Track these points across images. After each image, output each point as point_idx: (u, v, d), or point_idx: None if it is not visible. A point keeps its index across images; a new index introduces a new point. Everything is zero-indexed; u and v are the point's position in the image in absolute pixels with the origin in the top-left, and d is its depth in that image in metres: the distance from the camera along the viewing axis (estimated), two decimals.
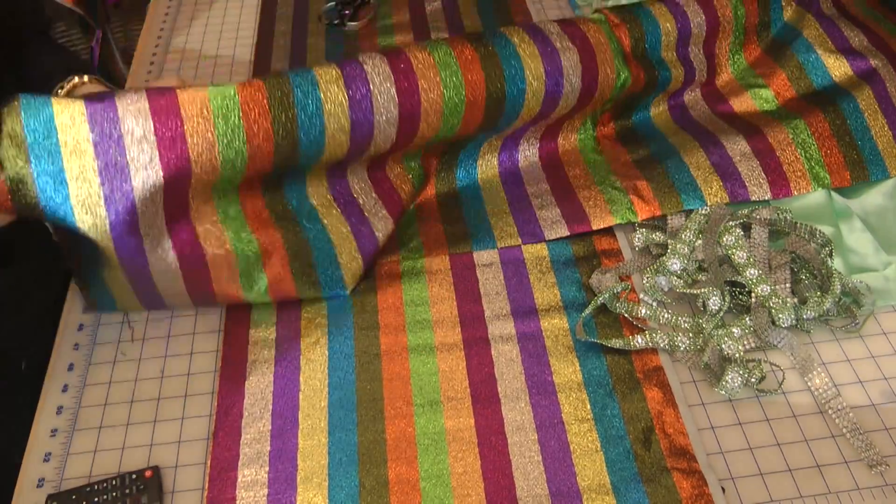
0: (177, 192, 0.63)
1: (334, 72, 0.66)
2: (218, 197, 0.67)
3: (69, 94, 0.76)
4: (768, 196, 0.76)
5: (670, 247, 0.73)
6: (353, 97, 0.66)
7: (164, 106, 0.60)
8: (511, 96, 0.73)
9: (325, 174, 0.74)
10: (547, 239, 0.76)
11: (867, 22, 0.87)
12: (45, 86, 0.78)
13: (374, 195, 0.76)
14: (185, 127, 0.60)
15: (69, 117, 0.59)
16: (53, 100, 0.59)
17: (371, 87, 0.67)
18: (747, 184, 0.76)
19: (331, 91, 0.66)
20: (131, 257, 0.64)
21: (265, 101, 0.63)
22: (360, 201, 0.75)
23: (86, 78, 0.82)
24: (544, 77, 0.73)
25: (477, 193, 0.81)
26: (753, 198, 0.76)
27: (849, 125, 0.78)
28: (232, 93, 0.62)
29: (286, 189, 0.72)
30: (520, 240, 0.76)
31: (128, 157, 0.59)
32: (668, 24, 0.81)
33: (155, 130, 0.60)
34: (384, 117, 0.68)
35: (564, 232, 0.76)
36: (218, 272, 0.68)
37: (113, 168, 0.60)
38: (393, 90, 0.68)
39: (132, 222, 0.61)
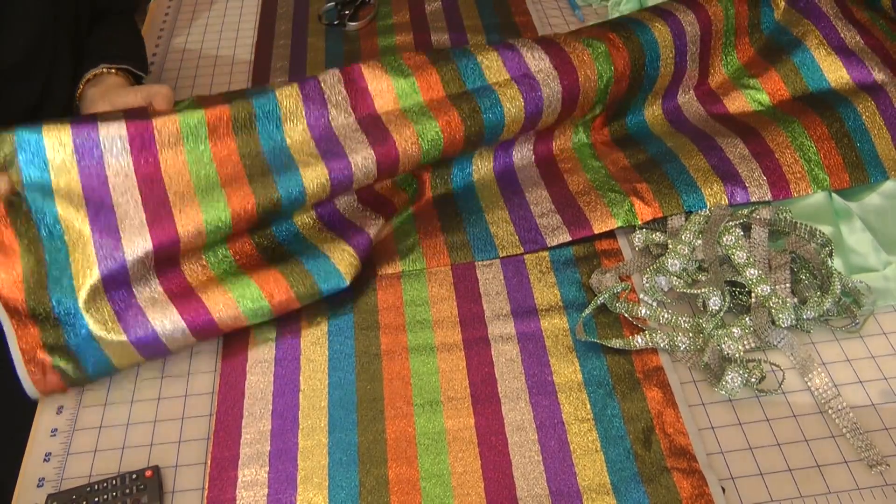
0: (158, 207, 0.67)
1: (307, 144, 0.71)
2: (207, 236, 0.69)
3: (94, 78, 0.82)
4: (768, 197, 0.76)
5: (670, 247, 0.73)
6: (328, 162, 0.70)
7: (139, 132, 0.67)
8: (490, 126, 0.75)
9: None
10: (549, 246, 0.75)
11: (863, 21, 0.87)
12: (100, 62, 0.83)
13: (358, 205, 0.77)
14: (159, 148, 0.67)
15: (57, 137, 0.65)
16: (44, 131, 0.65)
17: (349, 158, 0.70)
18: (747, 185, 0.76)
19: (306, 158, 0.70)
20: (122, 298, 0.65)
21: (230, 125, 0.69)
22: (347, 214, 0.76)
23: (113, 69, 0.82)
24: (522, 98, 0.75)
25: (475, 203, 0.80)
26: (753, 199, 0.76)
27: (847, 127, 0.78)
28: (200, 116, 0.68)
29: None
30: (521, 248, 0.75)
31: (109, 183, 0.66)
32: (666, 38, 0.82)
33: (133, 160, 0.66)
34: (362, 173, 0.71)
35: (566, 238, 0.75)
36: (209, 298, 0.67)
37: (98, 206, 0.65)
38: (371, 151, 0.71)
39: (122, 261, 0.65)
